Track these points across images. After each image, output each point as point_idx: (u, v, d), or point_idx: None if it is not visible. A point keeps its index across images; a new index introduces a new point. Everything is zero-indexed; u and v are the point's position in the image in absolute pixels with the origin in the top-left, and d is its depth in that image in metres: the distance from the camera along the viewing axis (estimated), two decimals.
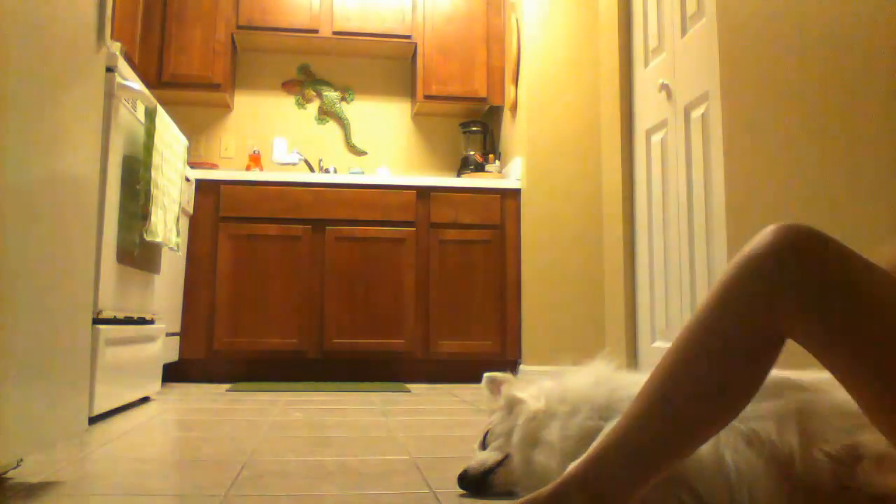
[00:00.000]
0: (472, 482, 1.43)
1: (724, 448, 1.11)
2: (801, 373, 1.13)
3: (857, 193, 1.87)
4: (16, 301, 1.29)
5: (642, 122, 3.39)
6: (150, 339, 3.03)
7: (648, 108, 3.32)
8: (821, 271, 0.88)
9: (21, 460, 1.55)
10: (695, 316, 0.98)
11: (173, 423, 2.47)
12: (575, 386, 1.38)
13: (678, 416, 0.95)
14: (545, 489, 1.00)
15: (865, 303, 0.86)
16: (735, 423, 1.15)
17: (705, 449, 1.13)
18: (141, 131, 2.75)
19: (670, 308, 3.06)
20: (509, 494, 1.40)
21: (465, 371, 4.02)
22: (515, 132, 4.31)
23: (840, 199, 1.93)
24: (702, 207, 2.79)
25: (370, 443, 2.05)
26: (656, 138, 3.24)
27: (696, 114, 2.86)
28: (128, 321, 2.74)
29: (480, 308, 4.09)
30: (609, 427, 1.23)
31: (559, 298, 3.95)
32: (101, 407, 2.36)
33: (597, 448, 0.98)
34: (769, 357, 0.93)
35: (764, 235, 0.94)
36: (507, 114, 4.53)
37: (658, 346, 3.16)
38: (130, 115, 2.65)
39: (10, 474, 1.53)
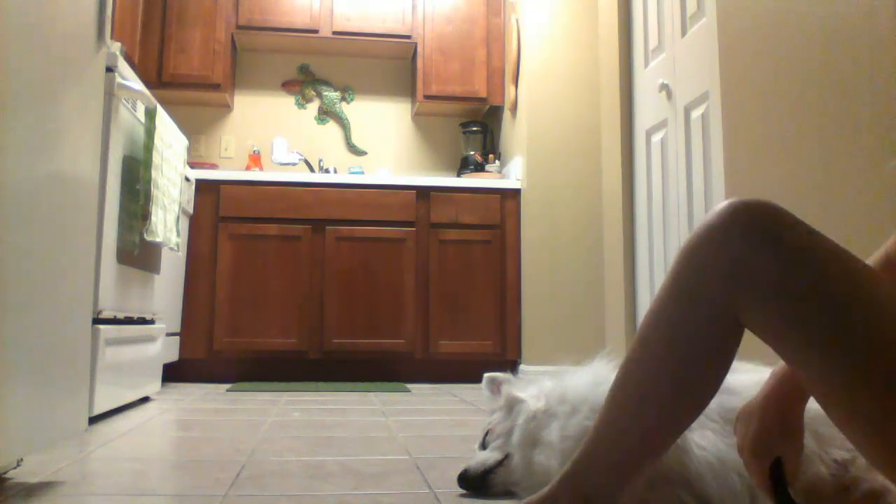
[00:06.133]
0: (473, 482, 1.43)
1: (726, 447, 1.11)
2: None
3: (857, 192, 1.87)
4: (15, 301, 1.30)
5: (642, 122, 3.39)
6: (150, 339, 3.03)
7: (648, 107, 3.32)
8: (773, 259, 0.82)
9: (21, 460, 1.55)
10: (653, 302, 0.95)
11: (173, 423, 2.47)
12: (574, 386, 1.38)
13: (646, 415, 0.94)
14: (539, 493, 1.00)
15: (815, 298, 0.80)
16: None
17: (707, 447, 1.13)
18: (141, 131, 2.75)
19: None
20: (509, 494, 1.40)
21: (465, 371, 4.02)
22: (515, 132, 4.31)
23: (840, 199, 1.93)
24: (702, 207, 2.79)
25: (370, 443, 2.05)
26: (656, 138, 3.25)
27: (696, 114, 2.86)
28: (128, 321, 2.74)
29: (480, 308, 4.09)
30: None
31: (559, 298, 3.95)
32: (101, 407, 2.36)
33: (581, 452, 0.98)
34: (728, 348, 0.89)
35: (714, 215, 0.88)
36: (507, 114, 4.53)
37: None
38: (130, 115, 2.65)
39: (9, 474, 1.53)
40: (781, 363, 0.98)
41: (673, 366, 0.91)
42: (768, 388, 0.98)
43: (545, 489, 1.00)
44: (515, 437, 1.42)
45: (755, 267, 0.83)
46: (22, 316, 1.32)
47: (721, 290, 0.86)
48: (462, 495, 1.43)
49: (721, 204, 0.89)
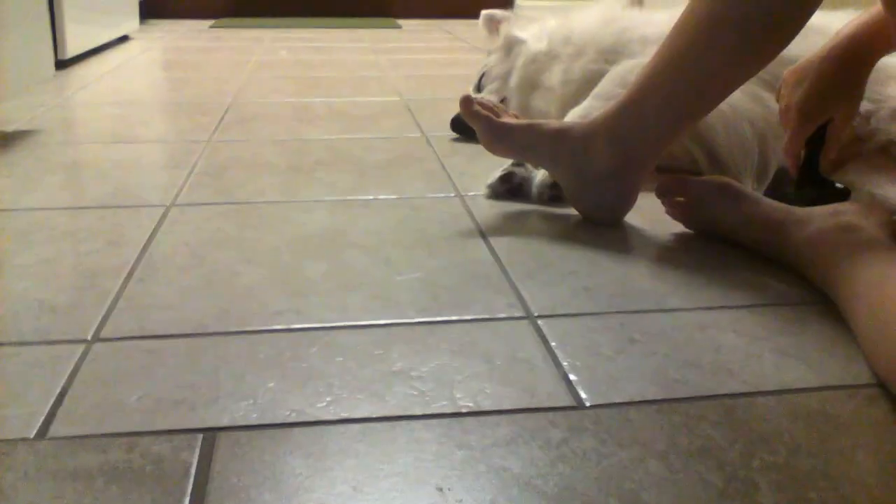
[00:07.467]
0: (466, 126, 1.37)
1: (741, 95, 1.02)
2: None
3: None
4: None
5: None
6: None
7: None
8: None
9: None
10: None
11: (154, 63, 2.36)
12: (581, 26, 1.25)
13: (713, 56, 0.82)
14: (573, 125, 0.93)
15: None
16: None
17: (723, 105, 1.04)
18: None
19: None
20: None
21: (460, 5, 3.79)
22: None
23: None
24: None
25: (360, 83, 1.97)
26: None
27: None
28: None
29: None
30: (617, 70, 1.14)
31: None
32: (74, 48, 2.21)
33: (627, 95, 0.88)
34: None
35: None
36: None
37: None
38: None
39: None
40: (848, 23, 0.87)
41: None
42: (834, 44, 0.87)
43: (576, 125, 0.92)
44: (513, 80, 1.34)
45: None
46: None
47: None
48: (454, 139, 1.38)
49: None
